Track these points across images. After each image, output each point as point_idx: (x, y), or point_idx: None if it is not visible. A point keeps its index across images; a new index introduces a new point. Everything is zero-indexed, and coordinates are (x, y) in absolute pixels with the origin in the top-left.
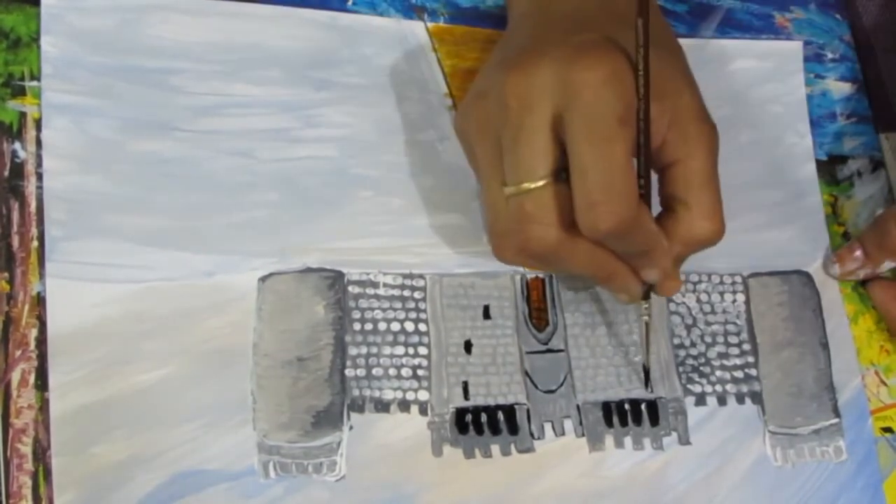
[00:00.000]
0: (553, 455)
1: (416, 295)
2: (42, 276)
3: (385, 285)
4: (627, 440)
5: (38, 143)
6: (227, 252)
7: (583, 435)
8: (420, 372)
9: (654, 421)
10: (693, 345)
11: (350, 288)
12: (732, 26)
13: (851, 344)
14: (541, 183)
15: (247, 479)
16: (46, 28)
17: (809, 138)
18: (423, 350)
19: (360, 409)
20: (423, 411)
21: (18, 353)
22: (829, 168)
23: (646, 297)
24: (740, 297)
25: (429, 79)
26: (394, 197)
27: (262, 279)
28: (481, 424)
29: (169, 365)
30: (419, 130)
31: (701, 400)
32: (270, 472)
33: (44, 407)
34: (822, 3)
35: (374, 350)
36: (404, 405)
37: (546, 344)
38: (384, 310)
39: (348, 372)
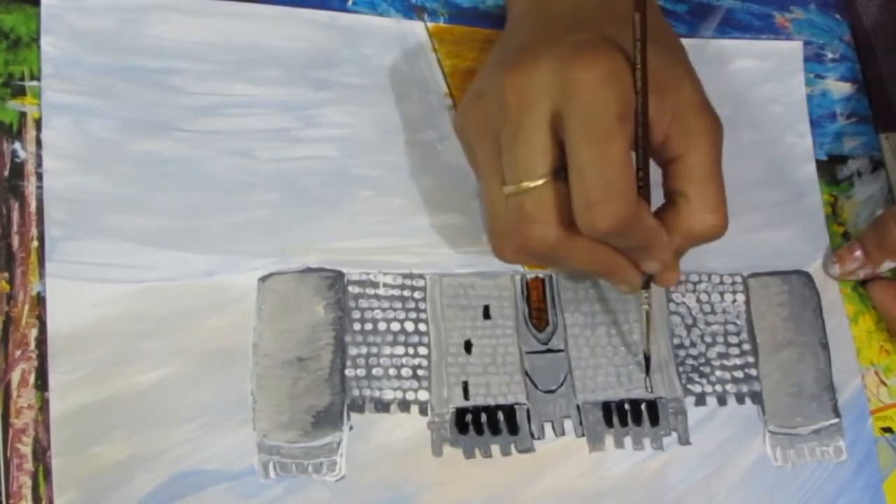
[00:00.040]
0: (553, 455)
1: (416, 295)
2: (42, 276)
3: (385, 285)
4: (627, 440)
5: (38, 143)
6: (227, 252)
7: (583, 435)
8: (420, 372)
9: (654, 421)
10: (693, 345)
11: (350, 288)
12: (732, 26)
13: (851, 344)
14: (540, 182)
15: (247, 479)
16: (46, 28)
17: (809, 138)
18: (423, 350)
19: (360, 409)
20: (423, 411)
21: (18, 353)
22: (829, 168)
23: (646, 286)
24: (740, 297)
25: (429, 79)
26: (394, 197)
27: (262, 279)
28: (481, 424)
29: (169, 365)
30: (419, 130)
31: (701, 400)
32: (270, 472)
33: (44, 407)
34: (822, 3)
35: (374, 350)
36: (404, 405)
37: (546, 344)
38: (384, 310)
39: (348, 372)
